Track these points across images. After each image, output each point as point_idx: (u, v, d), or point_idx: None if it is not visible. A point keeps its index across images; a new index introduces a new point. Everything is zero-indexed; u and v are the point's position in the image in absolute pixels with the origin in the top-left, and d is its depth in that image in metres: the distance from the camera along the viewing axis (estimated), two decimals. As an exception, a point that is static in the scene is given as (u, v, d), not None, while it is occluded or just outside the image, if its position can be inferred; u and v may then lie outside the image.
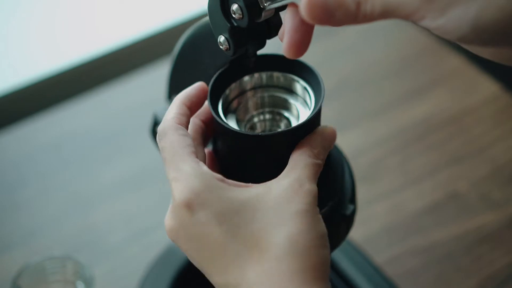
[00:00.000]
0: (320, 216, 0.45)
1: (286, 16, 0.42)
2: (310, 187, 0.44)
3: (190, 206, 0.43)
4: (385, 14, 0.37)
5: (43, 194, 0.88)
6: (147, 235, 0.84)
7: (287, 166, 0.46)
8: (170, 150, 0.45)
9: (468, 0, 0.35)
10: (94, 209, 0.87)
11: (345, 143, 0.92)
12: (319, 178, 0.47)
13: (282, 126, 0.52)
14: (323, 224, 0.44)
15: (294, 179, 0.45)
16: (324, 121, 0.49)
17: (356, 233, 0.80)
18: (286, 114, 0.52)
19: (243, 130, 0.51)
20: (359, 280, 0.74)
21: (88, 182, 0.90)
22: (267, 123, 0.53)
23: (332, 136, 0.48)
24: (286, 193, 0.44)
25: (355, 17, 0.38)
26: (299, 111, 0.51)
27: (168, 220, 0.45)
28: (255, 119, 0.53)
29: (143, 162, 0.92)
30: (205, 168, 0.45)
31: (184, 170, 0.44)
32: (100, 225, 0.85)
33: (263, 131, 0.53)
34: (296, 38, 0.41)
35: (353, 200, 0.54)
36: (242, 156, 0.50)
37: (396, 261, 0.80)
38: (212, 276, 0.44)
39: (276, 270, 0.42)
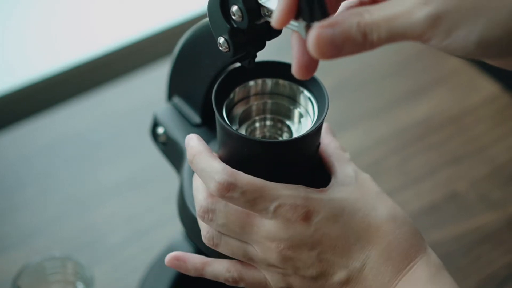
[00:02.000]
0: None
1: (292, 40, 0.42)
2: (365, 174, 0.52)
3: (307, 218, 0.48)
4: (392, 39, 0.38)
5: (42, 195, 0.88)
6: (147, 235, 0.84)
7: (334, 164, 0.52)
8: (253, 189, 0.48)
9: (472, 20, 0.37)
10: (94, 209, 0.87)
11: (345, 143, 0.92)
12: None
13: (284, 133, 0.52)
14: None
15: (352, 171, 0.51)
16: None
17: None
18: (287, 122, 0.52)
19: (250, 136, 0.51)
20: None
21: (88, 183, 0.90)
22: (268, 129, 0.53)
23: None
24: (359, 183, 0.50)
25: (363, 46, 0.39)
26: (301, 120, 0.51)
27: (283, 241, 0.48)
28: (257, 124, 0.53)
29: (143, 163, 0.92)
30: (291, 184, 0.48)
31: (284, 194, 0.48)
32: (100, 225, 0.85)
33: (264, 136, 0.53)
34: (304, 61, 0.42)
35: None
36: (250, 163, 0.49)
37: (396, 261, 0.80)
38: (335, 274, 0.48)
39: (395, 240, 0.48)
